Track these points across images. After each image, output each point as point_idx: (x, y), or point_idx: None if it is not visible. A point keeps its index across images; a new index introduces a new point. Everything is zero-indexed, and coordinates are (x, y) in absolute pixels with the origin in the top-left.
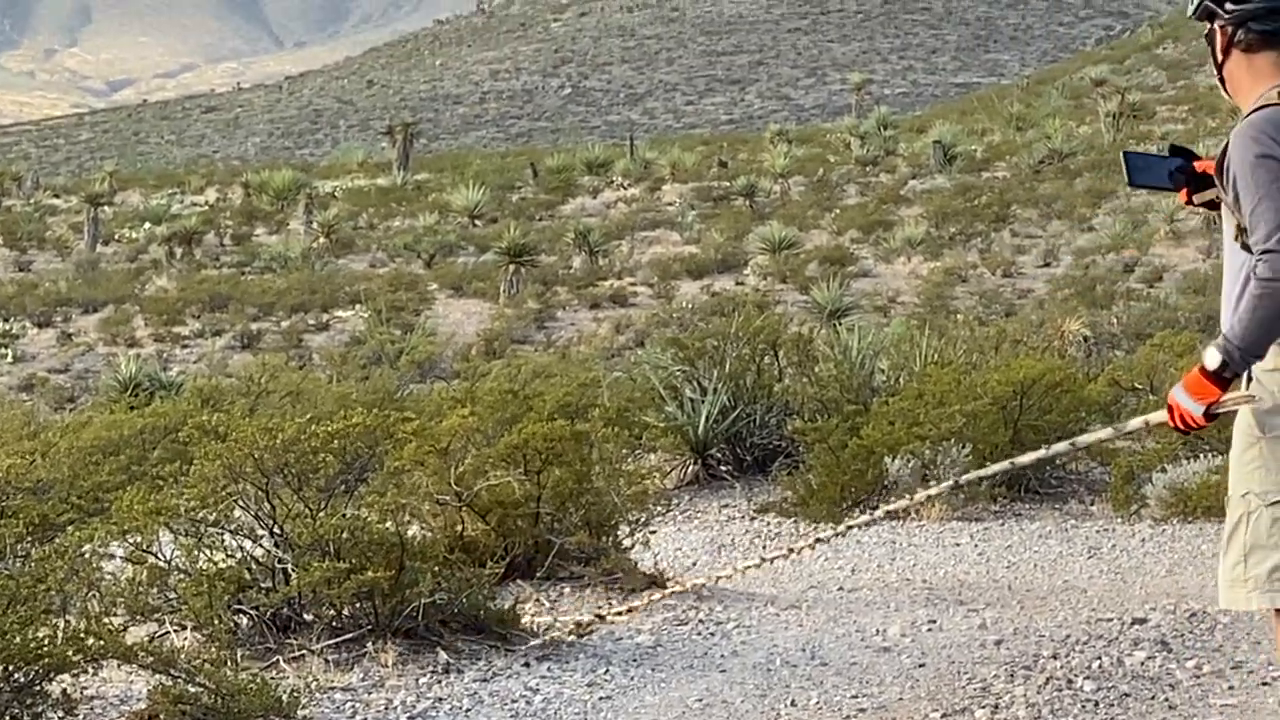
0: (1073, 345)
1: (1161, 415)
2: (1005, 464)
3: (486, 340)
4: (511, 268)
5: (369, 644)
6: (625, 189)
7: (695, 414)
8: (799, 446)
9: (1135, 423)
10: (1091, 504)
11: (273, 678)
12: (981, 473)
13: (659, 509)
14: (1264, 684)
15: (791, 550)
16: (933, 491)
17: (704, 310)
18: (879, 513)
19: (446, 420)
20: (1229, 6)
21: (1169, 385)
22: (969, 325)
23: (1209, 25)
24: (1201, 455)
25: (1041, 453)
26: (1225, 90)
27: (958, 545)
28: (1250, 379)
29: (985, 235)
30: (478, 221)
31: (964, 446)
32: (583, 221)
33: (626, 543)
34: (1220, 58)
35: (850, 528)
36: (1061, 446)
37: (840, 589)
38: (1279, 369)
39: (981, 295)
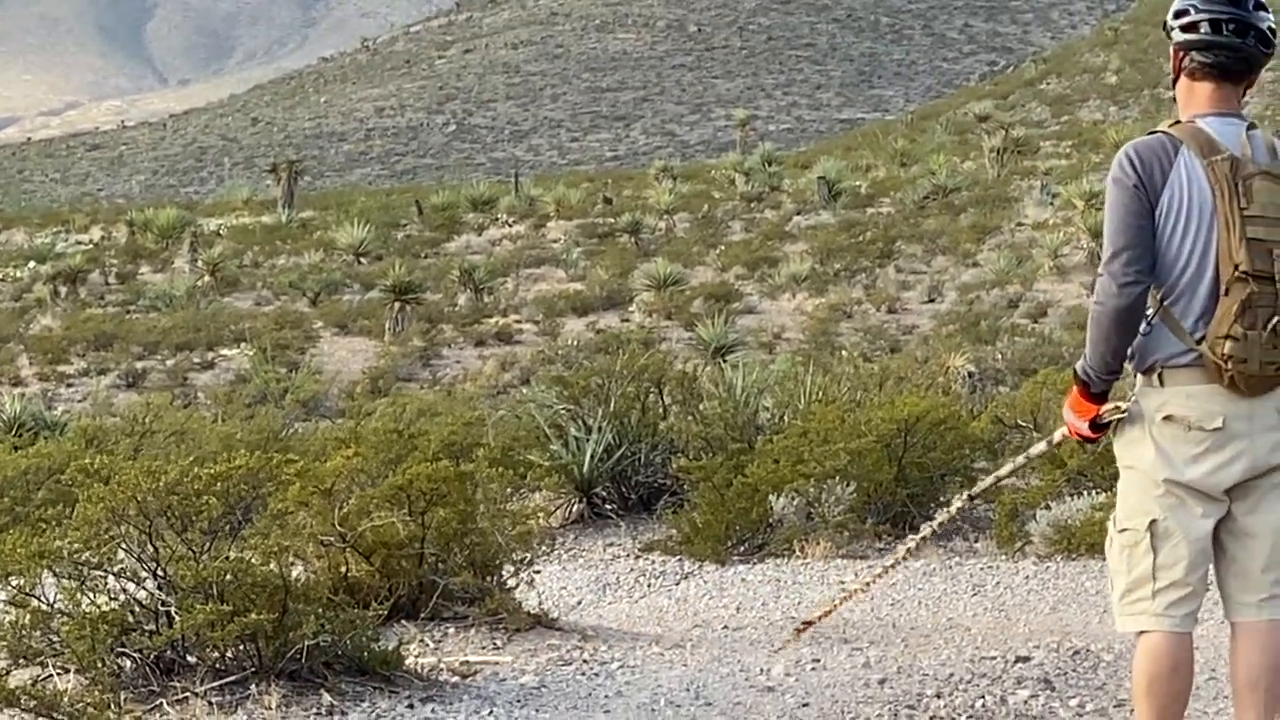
0: (957, 381)
1: (1065, 430)
2: (991, 479)
3: (372, 378)
4: (397, 305)
5: (253, 686)
6: (510, 226)
7: (580, 452)
8: (684, 485)
9: (1056, 435)
10: (976, 541)
11: None
12: (986, 483)
13: (543, 548)
14: None
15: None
16: (952, 509)
17: (589, 348)
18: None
19: (331, 461)
20: (1176, 35)
21: (1052, 422)
22: (854, 362)
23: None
24: (1085, 492)
25: (1009, 466)
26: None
27: (842, 583)
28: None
29: (870, 271)
30: (363, 259)
31: (848, 484)
32: (468, 259)
33: (511, 583)
34: (1173, 76)
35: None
36: (1020, 460)
37: (725, 627)
38: (1141, 392)
39: (866, 331)
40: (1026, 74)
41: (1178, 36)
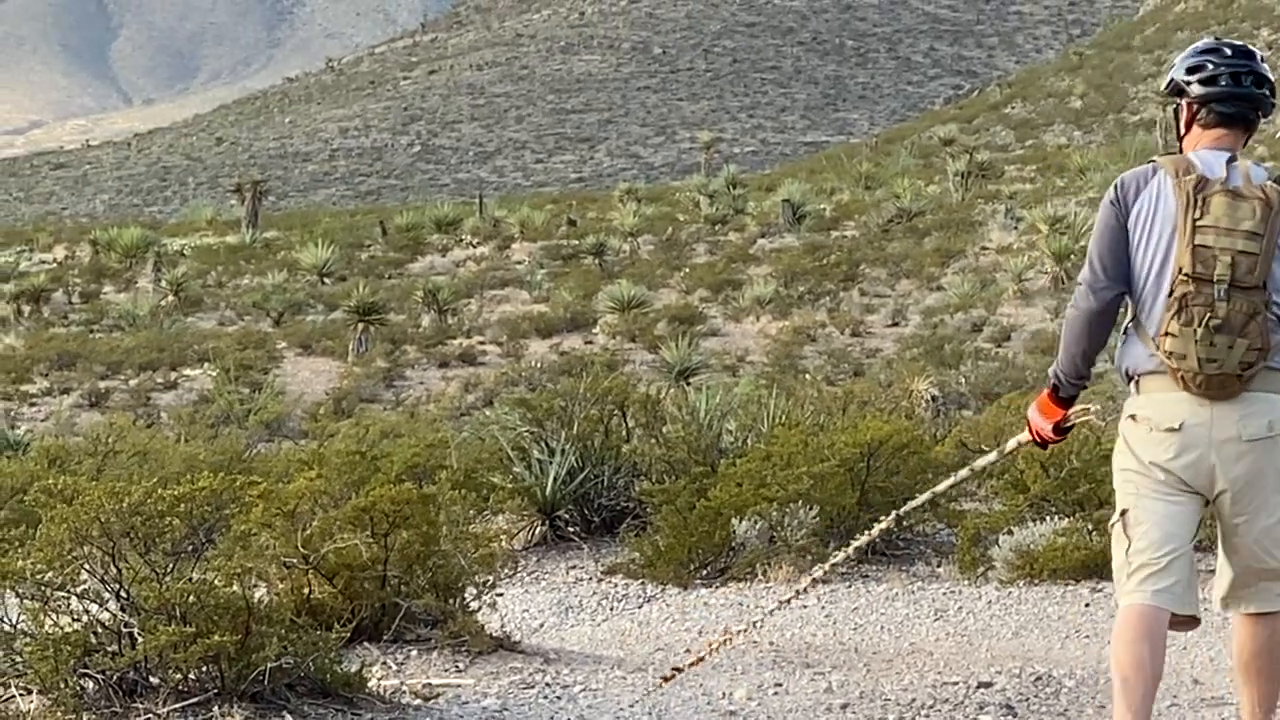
0: (920, 405)
1: (1026, 435)
2: (928, 494)
3: (335, 399)
4: (360, 326)
5: (215, 708)
6: (474, 247)
7: (543, 475)
8: (647, 508)
9: (1011, 444)
10: (938, 566)
11: None
12: (913, 504)
13: (506, 571)
14: None
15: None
16: (874, 531)
17: (553, 370)
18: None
19: (294, 482)
20: (1195, 90)
21: None
22: (817, 385)
23: (1178, 100)
24: (1047, 517)
25: (952, 479)
26: None
27: (804, 607)
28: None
29: (834, 294)
30: (326, 279)
31: (811, 508)
32: (432, 280)
33: (473, 605)
34: (1184, 130)
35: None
36: (964, 473)
37: (687, 651)
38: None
39: (830, 354)
40: (991, 98)
41: (1195, 90)
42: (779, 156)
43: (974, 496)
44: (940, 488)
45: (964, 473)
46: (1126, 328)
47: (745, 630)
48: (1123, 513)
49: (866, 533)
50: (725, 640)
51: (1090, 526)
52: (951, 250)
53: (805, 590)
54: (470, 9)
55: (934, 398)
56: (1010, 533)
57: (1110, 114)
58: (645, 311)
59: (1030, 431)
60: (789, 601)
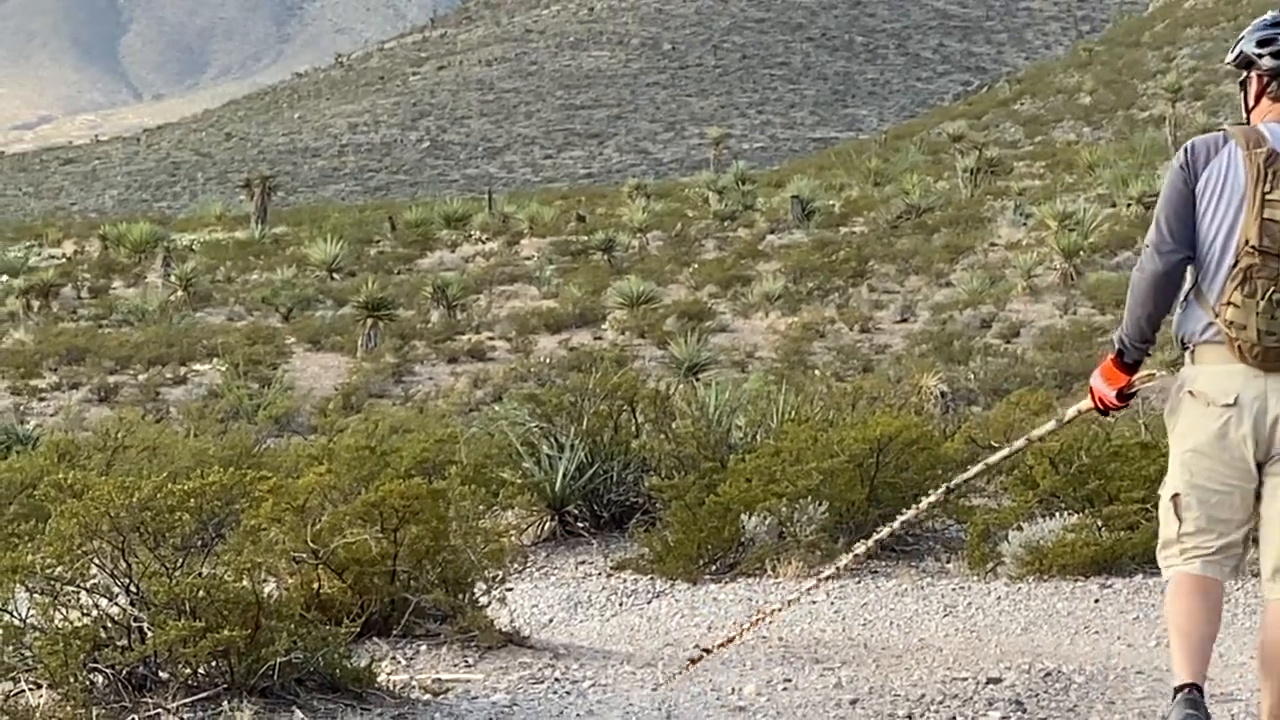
0: (930, 401)
1: (1088, 402)
2: (981, 466)
3: (344, 394)
4: (369, 321)
5: (225, 703)
6: (483, 243)
7: (552, 470)
8: (656, 503)
9: (1070, 412)
10: (947, 562)
11: None
12: (965, 475)
13: (515, 566)
14: None
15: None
16: (923, 505)
17: (562, 365)
18: (884, 533)
19: (303, 477)
20: (1266, 62)
21: None
22: (826, 381)
23: (1245, 72)
24: (1057, 513)
25: (1007, 450)
26: None
27: (814, 603)
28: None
29: (843, 290)
30: (335, 275)
31: (821, 504)
32: (441, 275)
33: (483, 600)
34: (1253, 103)
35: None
36: (1020, 443)
37: (696, 646)
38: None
39: (839, 350)
40: (1000, 94)
41: (1267, 63)
42: (788, 152)
43: (983, 492)
44: (994, 459)
45: (1020, 442)
46: (1187, 295)
47: (780, 609)
48: (1174, 496)
49: (915, 506)
50: (757, 620)
51: (1100, 523)
52: (960, 246)
53: (849, 567)
54: (480, 4)
55: (943, 394)
56: (1020, 529)
57: (1119, 110)
58: (654, 307)
59: (1093, 398)
60: (832, 576)
